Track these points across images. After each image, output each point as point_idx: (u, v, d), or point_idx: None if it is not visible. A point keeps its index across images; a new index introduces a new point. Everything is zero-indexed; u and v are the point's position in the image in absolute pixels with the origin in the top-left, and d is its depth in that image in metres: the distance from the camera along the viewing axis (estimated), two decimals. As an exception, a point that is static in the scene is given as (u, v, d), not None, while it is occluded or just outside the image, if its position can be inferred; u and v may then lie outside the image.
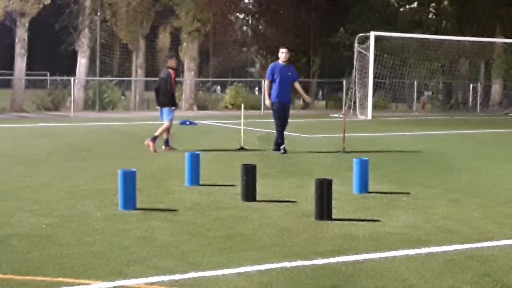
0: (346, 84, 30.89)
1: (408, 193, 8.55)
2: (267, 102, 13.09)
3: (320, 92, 40.16)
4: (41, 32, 39.02)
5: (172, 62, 13.21)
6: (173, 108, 13.11)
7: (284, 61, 12.79)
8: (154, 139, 12.68)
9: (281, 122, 12.89)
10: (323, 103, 38.55)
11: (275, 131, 13.28)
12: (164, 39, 32.20)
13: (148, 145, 12.65)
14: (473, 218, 7.09)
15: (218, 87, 35.59)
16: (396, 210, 7.41)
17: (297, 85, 13.25)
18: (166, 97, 12.96)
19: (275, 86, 12.74)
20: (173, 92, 13.07)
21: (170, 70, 12.97)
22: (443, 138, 17.64)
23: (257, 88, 44.58)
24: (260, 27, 36.78)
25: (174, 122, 13.81)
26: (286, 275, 4.93)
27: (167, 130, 12.97)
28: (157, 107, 13.36)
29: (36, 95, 29.13)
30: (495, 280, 4.88)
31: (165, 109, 12.98)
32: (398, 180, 9.70)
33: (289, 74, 12.82)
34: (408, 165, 11.46)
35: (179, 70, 13.61)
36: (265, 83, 12.93)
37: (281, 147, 12.65)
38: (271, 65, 13.02)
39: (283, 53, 12.74)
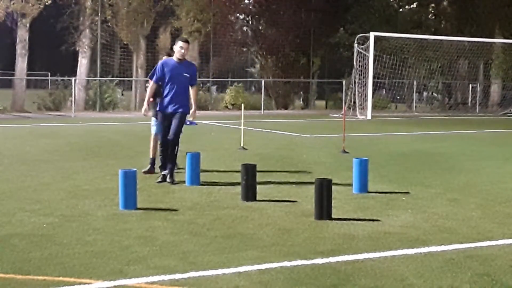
0: (346, 84, 30.92)
1: (407, 192, 8.57)
2: (145, 107, 9.34)
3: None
4: (42, 33, 39.08)
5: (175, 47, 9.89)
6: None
7: (180, 59, 9.20)
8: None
9: (162, 136, 9.33)
10: (322, 103, 38.59)
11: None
12: (164, 40, 32.21)
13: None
14: (472, 217, 7.11)
15: (214, 87, 35.59)
16: (395, 210, 7.43)
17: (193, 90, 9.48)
18: None
19: (163, 90, 9.24)
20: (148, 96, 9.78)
21: None
22: (442, 138, 17.66)
23: (253, 88, 44.64)
24: (260, 27, 36.79)
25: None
26: (286, 274, 4.96)
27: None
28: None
29: (37, 95, 29.17)
30: (494, 280, 4.90)
31: None
32: (398, 180, 9.72)
33: (185, 74, 9.23)
34: (407, 165, 11.48)
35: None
36: (150, 85, 9.34)
37: (163, 172, 9.20)
38: (161, 61, 9.34)
39: (182, 48, 9.10)
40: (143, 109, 9.38)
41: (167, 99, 9.15)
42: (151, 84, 9.26)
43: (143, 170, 9.83)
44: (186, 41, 9.29)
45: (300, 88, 36.30)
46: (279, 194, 8.37)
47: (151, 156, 10.14)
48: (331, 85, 37.99)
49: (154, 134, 10.11)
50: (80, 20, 30.19)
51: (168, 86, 9.15)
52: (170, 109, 9.15)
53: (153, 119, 10.12)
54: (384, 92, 34.68)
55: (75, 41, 30.09)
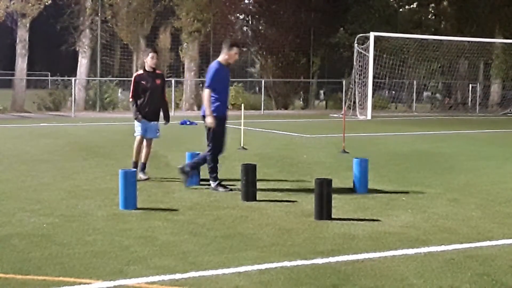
0: (346, 84, 30.93)
1: (407, 192, 8.57)
2: (212, 120, 8.57)
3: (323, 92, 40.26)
4: (42, 33, 39.07)
5: (148, 60, 9.61)
6: (137, 120, 9.59)
7: (230, 64, 8.96)
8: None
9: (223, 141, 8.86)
10: (322, 103, 38.63)
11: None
12: (164, 40, 32.25)
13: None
14: (472, 217, 7.11)
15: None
16: (395, 210, 7.43)
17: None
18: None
19: (216, 95, 8.68)
20: (132, 99, 9.66)
21: (137, 72, 9.87)
22: (442, 138, 17.66)
23: (257, 88, 44.70)
24: (260, 27, 36.81)
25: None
26: (286, 274, 4.96)
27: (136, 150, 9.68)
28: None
29: (37, 95, 29.18)
30: (494, 280, 4.90)
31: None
32: (398, 180, 9.72)
33: (229, 78, 9.08)
34: (407, 165, 11.48)
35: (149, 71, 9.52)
36: (206, 92, 8.64)
37: (219, 183, 8.69)
38: (216, 66, 8.76)
39: (237, 54, 8.90)
40: (210, 121, 8.52)
41: (223, 104, 8.77)
42: (209, 92, 8.58)
43: (144, 177, 9.29)
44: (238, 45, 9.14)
45: (300, 88, 36.32)
46: (279, 194, 8.37)
47: (136, 160, 9.53)
48: (331, 85, 37.98)
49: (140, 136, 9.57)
50: (80, 20, 30.18)
51: (222, 91, 8.76)
52: (226, 112, 8.87)
53: (137, 122, 9.56)
54: (387, 93, 34.65)
55: (75, 41, 30.09)
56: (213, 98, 8.64)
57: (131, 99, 9.62)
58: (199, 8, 30.27)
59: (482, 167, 11.41)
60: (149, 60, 9.55)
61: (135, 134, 9.63)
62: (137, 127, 9.58)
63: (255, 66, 48.97)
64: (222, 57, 8.81)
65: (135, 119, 9.56)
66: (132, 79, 9.67)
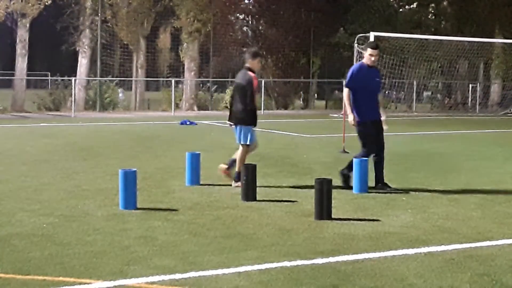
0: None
1: (407, 192, 8.57)
2: (352, 118, 8.83)
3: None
4: (42, 33, 39.15)
5: (255, 63, 9.11)
6: (253, 127, 9.00)
7: (370, 65, 8.98)
8: (231, 165, 9.07)
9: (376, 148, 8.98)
10: (322, 103, 38.62)
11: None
12: (164, 40, 32.29)
13: (224, 173, 9.08)
14: (472, 217, 7.11)
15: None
16: (395, 210, 7.44)
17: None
18: (244, 111, 8.94)
19: (359, 97, 8.89)
20: (253, 104, 8.93)
21: (252, 74, 8.92)
22: (442, 138, 17.66)
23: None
24: (260, 27, 36.80)
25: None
26: (286, 274, 4.96)
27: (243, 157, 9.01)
28: (230, 124, 9.23)
29: (37, 95, 29.21)
30: (494, 280, 4.90)
31: (243, 128, 8.94)
32: (398, 180, 9.71)
33: (377, 80, 9.12)
34: (407, 165, 11.48)
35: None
36: (346, 92, 9.01)
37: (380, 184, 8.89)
38: (354, 67, 9.19)
39: (372, 56, 8.90)
40: (350, 120, 8.74)
41: (369, 108, 8.95)
42: (348, 92, 8.89)
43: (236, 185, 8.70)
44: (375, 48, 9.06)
45: (300, 88, 36.32)
46: (279, 194, 8.37)
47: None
48: (331, 85, 37.97)
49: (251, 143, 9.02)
50: (80, 20, 30.20)
51: (364, 92, 8.91)
52: (378, 116, 8.95)
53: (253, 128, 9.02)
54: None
55: (75, 41, 30.11)
56: (359, 102, 8.83)
57: (251, 104, 8.89)
58: (199, 8, 30.28)
59: (482, 167, 11.41)
60: (257, 64, 9.18)
61: (254, 141, 9.02)
62: (253, 132, 9.05)
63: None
64: (364, 59, 9.09)
65: (254, 125, 9.00)
66: (255, 82, 8.91)
